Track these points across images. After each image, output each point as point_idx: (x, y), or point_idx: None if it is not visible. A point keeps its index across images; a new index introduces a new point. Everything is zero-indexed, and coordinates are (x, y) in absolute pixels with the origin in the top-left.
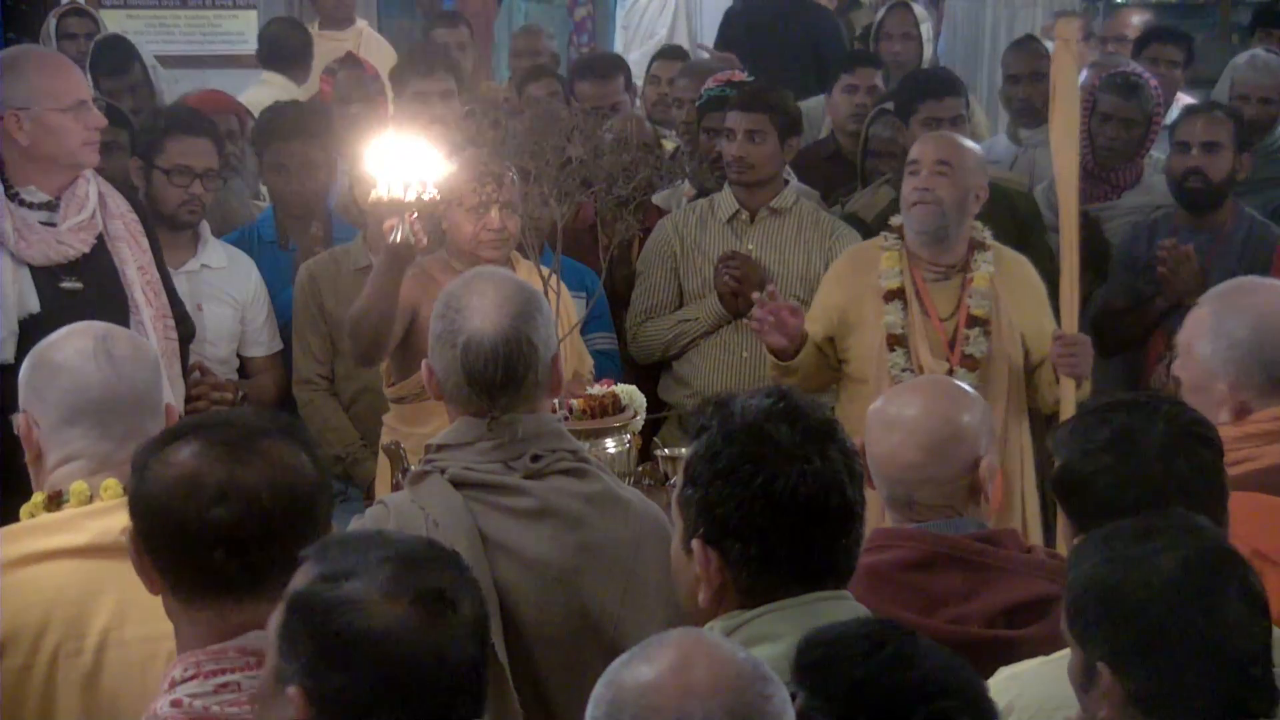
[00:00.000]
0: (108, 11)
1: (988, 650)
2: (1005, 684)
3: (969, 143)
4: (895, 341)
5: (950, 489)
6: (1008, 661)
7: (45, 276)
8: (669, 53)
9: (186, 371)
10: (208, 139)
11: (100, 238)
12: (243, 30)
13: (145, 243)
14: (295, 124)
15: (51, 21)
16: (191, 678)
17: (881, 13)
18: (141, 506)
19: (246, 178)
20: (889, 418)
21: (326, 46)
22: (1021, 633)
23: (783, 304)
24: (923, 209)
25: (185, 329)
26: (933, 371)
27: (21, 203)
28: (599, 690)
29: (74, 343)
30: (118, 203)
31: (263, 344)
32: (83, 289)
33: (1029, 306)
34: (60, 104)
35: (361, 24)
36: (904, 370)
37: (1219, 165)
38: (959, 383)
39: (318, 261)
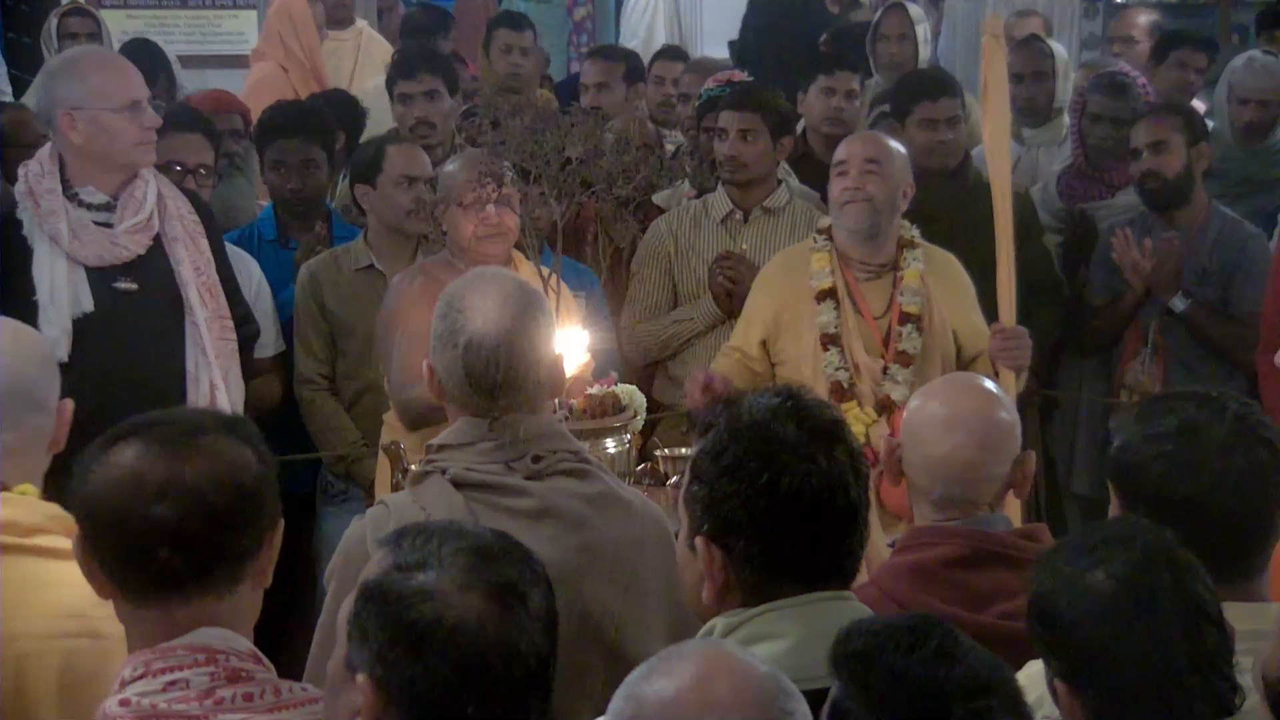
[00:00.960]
0: (108, 11)
1: None
2: (1040, 676)
3: (895, 143)
4: (829, 341)
5: (1000, 485)
6: None
7: (100, 277)
8: (669, 53)
9: (249, 373)
10: (200, 134)
11: (157, 239)
12: (243, 30)
13: (204, 244)
14: (297, 122)
15: (52, 21)
16: (140, 676)
17: (879, 13)
18: (86, 508)
19: (250, 176)
20: (944, 418)
21: (327, 46)
22: None
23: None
24: (854, 207)
25: (249, 329)
26: (869, 369)
27: (80, 203)
28: (617, 704)
29: None
30: (178, 204)
31: (266, 345)
32: (137, 290)
33: (959, 302)
34: (113, 104)
35: (362, 24)
36: (838, 369)
37: (1171, 163)
38: (987, 379)
39: (319, 261)
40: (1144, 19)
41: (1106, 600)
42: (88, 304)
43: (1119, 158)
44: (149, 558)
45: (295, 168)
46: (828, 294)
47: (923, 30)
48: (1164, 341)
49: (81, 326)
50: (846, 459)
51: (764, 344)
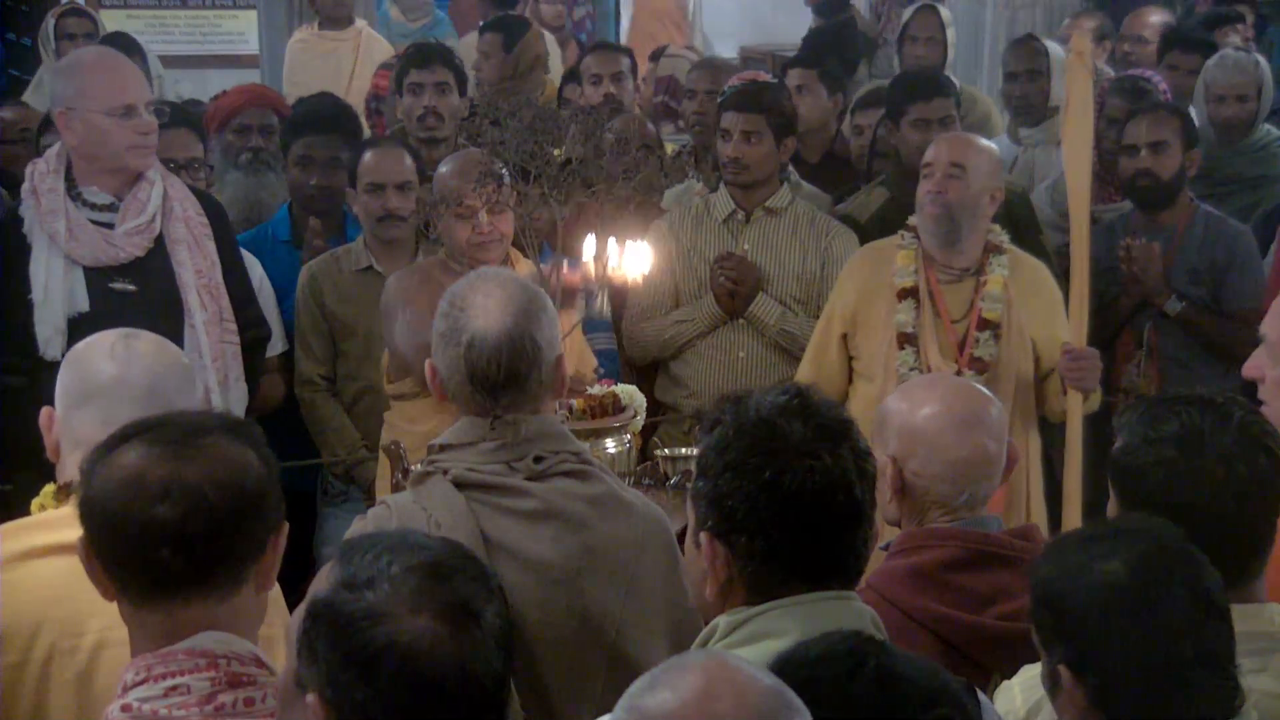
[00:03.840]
0: (107, 11)
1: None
2: (1037, 681)
3: (986, 143)
4: (905, 340)
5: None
6: None
7: (98, 277)
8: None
9: (257, 375)
10: (184, 129)
11: (160, 240)
12: (243, 30)
13: (210, 247)
14: (329, 119)
15: (50, 21)
16: (142, 681)
17: (908, 14)
18: (88, 509)
19: (281, 173)
20: (958, 419)
21: (326, 46)
22: None
23: None
24: (933, 211)
25: (259, 332)
26: (940, 371)
27: (84, 203)
28: (619, 715)
29: (99, 338)
30: (186, 206)
31: (271, 344)
32: (135, 291)
33: (1042, 313)
34: (105, 106)
35: (361, 24)
36: (911, 369)
37: (1167, 164)
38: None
39: (319, 262)
40: (1155, 19)
41: (1120, 589)
42: (83, 304)
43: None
44: (150, 559)
45: (321, 165)
46: (909, 293)
47: (952, 34)
48: (1158, 343)
49: (76, 326)
50: (851, 458)
51: (844, 338)
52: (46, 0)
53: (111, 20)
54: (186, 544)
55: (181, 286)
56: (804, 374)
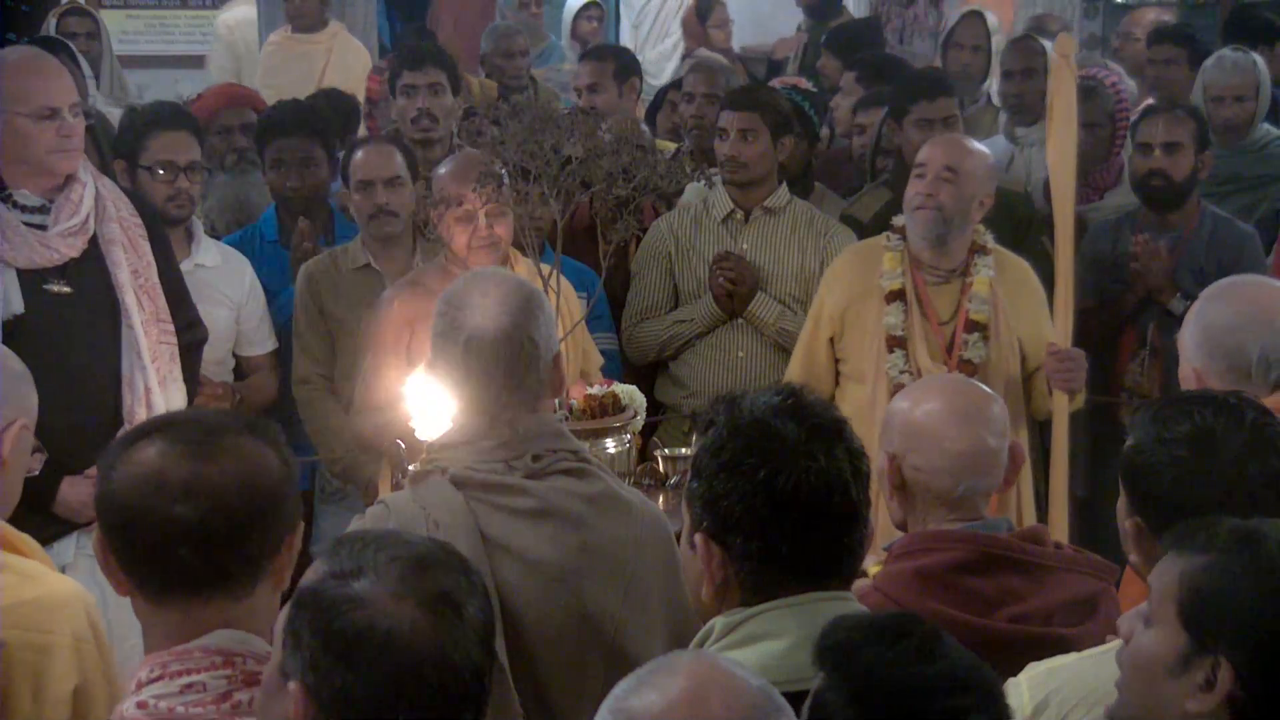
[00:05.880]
0: (108, 11)
1: (1049, 648)
2: (1044, 678)
3: (980, 147)
4: (895, 343)
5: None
6: None
7: (31, 279)
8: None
9: (195, 377)
10: (188, 132)
11: (94, 241)
12: None
13: (145, 247)
14: (295, 120)
15: (51, 21)
16: (157, 678)
17: (953, 20)
18: (107, 505)
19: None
20: (955, 412)
21: (298, 49)
22: (1077, 630)
23: None
24: (924, 214)
25: (196, 334)
26: (930, 374)
27: (15, 205)
28: (603, 718)
29: None
30: (119, 206)
31: (259, 343)
32: (71, 292)
33: (1028, 312)
34: (27, 109)
35: (336, 26)
36: (902, 372)
37: (1180, 165)
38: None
39: (316, 262)
40: (1150, 16)
41: None
42: (18, 306)
43: (1101, 160)
44: (168, 557)
45: (294, 166)
46: (897, 295)
47: (997, 41)
48: (1162, 343)
49: (12, 329)
50: (846, 458)
51: (831, 341)
52: (47, 0)
53: (112, 20)
54: (205, 543)
55: (118, 287)
56: (792, 377)
